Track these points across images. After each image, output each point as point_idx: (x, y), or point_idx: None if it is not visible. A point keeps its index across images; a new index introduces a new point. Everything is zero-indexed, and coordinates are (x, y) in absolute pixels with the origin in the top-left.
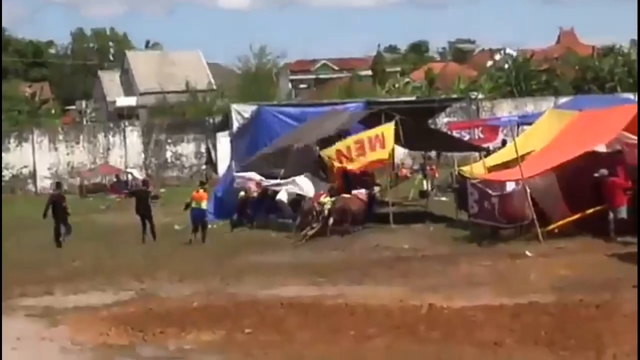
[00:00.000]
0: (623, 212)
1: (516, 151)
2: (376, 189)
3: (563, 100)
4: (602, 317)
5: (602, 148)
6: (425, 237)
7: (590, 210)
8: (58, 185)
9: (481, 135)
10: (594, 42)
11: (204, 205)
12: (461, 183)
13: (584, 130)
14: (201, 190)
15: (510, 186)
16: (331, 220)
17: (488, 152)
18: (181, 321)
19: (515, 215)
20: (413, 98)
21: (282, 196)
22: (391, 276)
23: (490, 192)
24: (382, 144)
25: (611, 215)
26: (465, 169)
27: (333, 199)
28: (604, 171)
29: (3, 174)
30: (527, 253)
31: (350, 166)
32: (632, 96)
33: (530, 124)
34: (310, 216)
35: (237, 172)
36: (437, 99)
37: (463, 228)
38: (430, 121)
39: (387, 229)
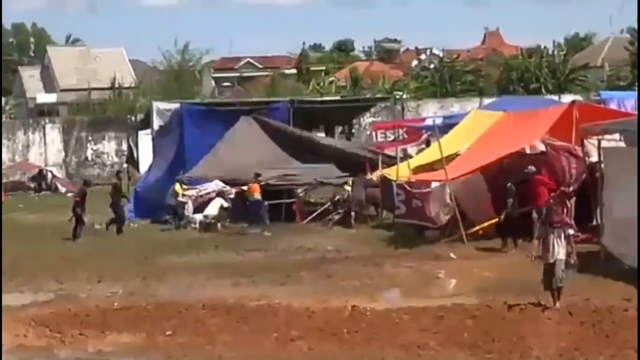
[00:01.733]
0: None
1: (441, 152)
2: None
3: (488, 101)
4: (526, 320)
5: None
6: (349, 238)
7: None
8: (86, 182)
9: (405, 136)
10: (519, 43)
11: (256, 196)
12: (385, 184)
13: (509, 132)
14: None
15: (434, 187)
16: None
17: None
18: (101, 323)
19: (439, 216)
20: (338, 97)
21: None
22: (314, 277)
23: (416, 192)
24: None
25: (535, 214)
26: (390, 170)
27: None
28: (532, 167)
29: None
30: (451, 255)
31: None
32: (555, 97)
33: (455, 124)
34: (334, 204)
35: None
36: (362, 98)
37: (387, 229)
38: (355, 121)
39: (310, 230)
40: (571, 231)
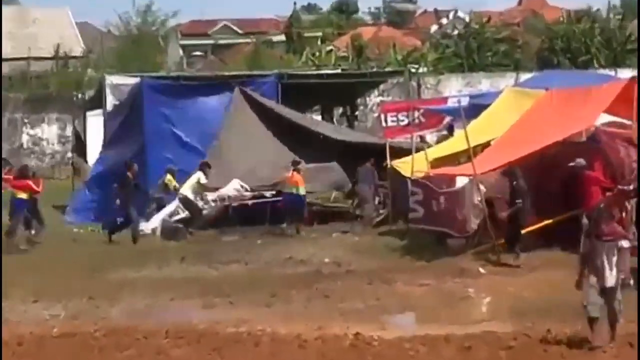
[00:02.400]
0: None
1: (467, 141)
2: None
3: (526, 76)
4: (574, 353)
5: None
6: (351, 248)
7: (560, 217)
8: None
9: (422, 119)
10: (565, 5)
11: (301, 190)
12: (396, 181)
13: (553, 115)
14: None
15: (461, 184)
16: None
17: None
18: (36, 353)
19: (469, 222)
20: (338, 71)
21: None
22: (308, 297)
23: (438, 190)
24: None
25: (585, 220)
26: (403, 163)
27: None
28: (581, 161)
29: None
30: (481, 270)
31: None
32: (611, 72)
33: (485, 106)
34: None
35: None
36: (368, 73)
37: (399, 237)
38: (359, 101)
39: (303, 237)
40: (626, 243)
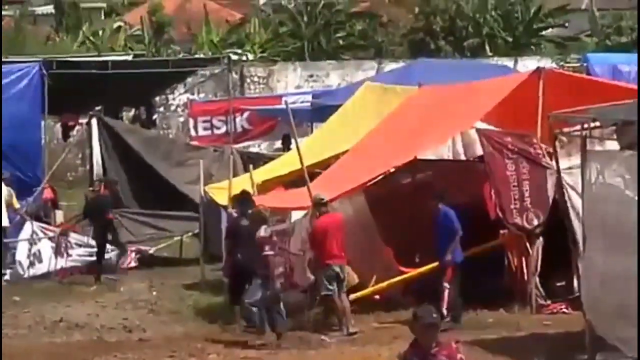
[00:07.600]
0: None
1: (300, 158)
2: None
3: (392, 66)
4: None
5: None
6: (148, 304)
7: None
8: None
9: (247, 126)
10: None
11: None
12: (212, 212)
13: (426, 119)
14: None
15: (295, 218)
16: None
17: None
18: None
19: (302, 270)
20: (128, 57)
21: None
22: None
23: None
24: None
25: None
26: (218, 187)
27: None
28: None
29: None
30: (324, 338)
31: None
32: (509, 62)
33: (334, 108)
34: None
35: None
36: (171, 60)
37: (212, 290)
38: (158, 100)
39: (82, 292)
40: None
